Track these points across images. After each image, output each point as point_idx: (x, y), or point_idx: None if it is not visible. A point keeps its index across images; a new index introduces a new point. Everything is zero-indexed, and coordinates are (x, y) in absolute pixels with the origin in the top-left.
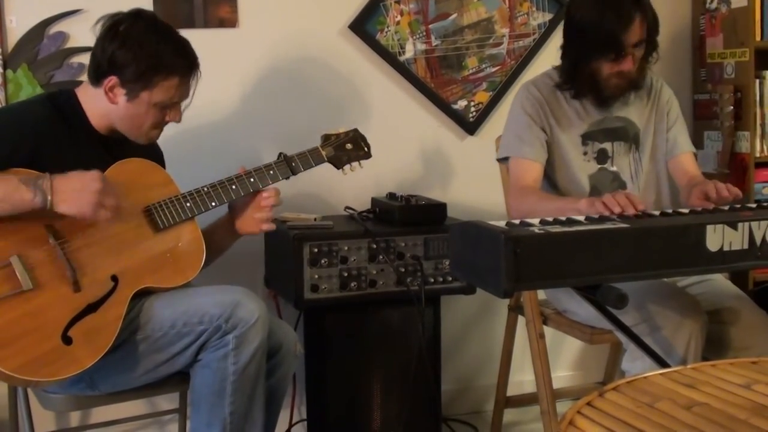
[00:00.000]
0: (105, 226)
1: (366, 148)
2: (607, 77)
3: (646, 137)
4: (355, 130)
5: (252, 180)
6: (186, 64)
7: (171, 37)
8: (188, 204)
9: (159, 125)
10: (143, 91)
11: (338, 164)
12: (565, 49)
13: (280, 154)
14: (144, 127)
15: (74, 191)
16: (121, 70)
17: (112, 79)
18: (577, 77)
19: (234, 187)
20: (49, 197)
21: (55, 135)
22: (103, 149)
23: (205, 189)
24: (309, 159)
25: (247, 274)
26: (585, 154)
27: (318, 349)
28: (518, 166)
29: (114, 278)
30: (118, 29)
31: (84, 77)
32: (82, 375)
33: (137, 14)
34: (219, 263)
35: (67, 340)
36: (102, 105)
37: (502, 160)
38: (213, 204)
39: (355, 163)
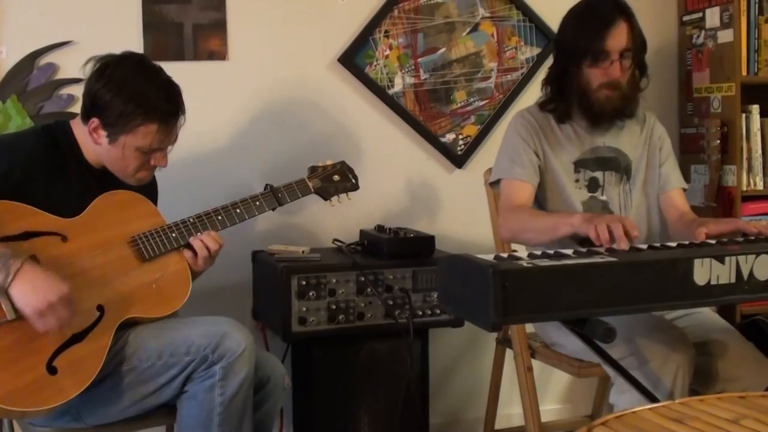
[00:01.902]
0: (90, 257)
1: (353, 180)
2: (597, 88)
3: (638, 170)
4: (343, 163)
5: (238, 211)
6: (167, 110)
7: (156, 81)
8: (174, 234)
9: (145, 168)
10: (121, 135)
11: (325, 196)
12: (551, 68)
13: (267, 185)
14: (129, 170)
15: (33, 287)
16: (102, 112)
17: (95, 121)
18: (565, 94)
19: (220, 217)
20: (10, 278)
21: (46, 167)
22: (95, 182)
23: (191, 220)
24: (296, 191)
25: (235, 306)
26: (577, 181)
27: (305, 382)
28: (510, 187)
29: (100, 308)
30: (104, 71)
31: (73, 108)
32: (68, 407)
33: (125, 57)
34: (207, 296)
35: (52, 370)
36: (92, 142)
37: (494, 185)
38: (198, 235)
39: (342, 195)
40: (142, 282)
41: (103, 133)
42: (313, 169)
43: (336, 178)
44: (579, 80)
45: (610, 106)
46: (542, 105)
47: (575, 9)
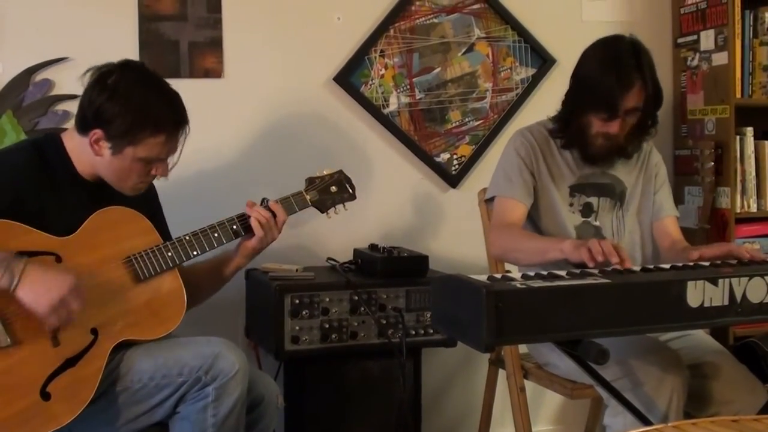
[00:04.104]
0: (84, 277)
1: (351, 190)
2: (595, 135)
3: (632, 197)
4: (340, 172)
5: (234, 227)
6: (174, 120)
7: (160, 91)
8: (169, 253)
9: (145, 179)
10: (128, 146)
11: (322, 208)
12: (566, 97)
13: (264, 199)
14: (129, 181)
15: (42, 285)
16: (107, 124)
17: (97, 133)
18: (568, 128)
19: (216, 234)
20: (16, 280)
21: (36, 182)
22: (88, 196)
23: (187, 237)
24: (293, 204)
25: (228, 324)
26: (571, 205)
27: (298, 401)
28: (503, 205)
29: (93, 331)
30: (106, 81)
31: (68, 125)
32: (60, 428)
33: (126, 65)
34: (200, 314)
35: (45, 396)
36: (88, 154)
37: (489, 202)
38: (195, 253)
39: (339, 206)
40: (136, 303)
41: (106, 144)
42: (310, 181)
43: (333, 189)
44: (582, 119)
45: (603, 152)
46: (552, 132)
47: (600, 50)
